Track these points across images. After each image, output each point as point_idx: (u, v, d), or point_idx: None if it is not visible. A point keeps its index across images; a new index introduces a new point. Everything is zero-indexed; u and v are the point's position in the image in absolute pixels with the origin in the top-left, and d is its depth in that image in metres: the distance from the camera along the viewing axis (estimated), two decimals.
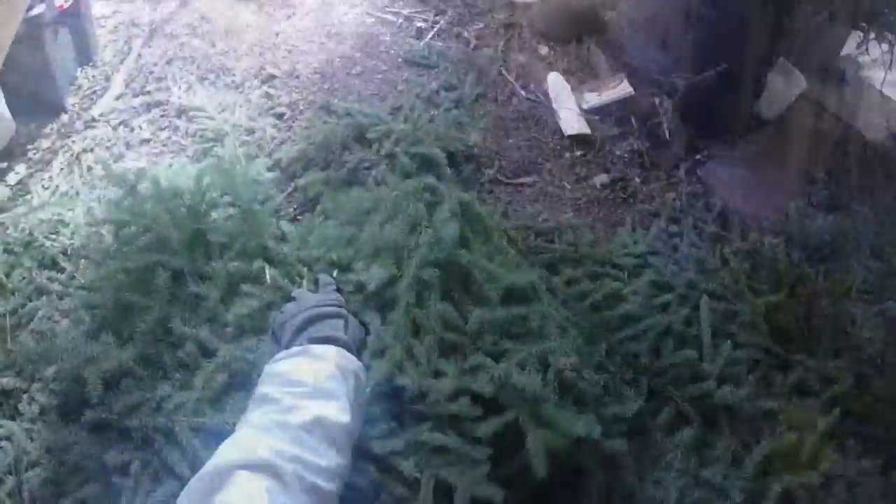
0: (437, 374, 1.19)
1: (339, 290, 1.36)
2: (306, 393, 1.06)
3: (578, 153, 2.20)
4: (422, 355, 1.20)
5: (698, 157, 2.30)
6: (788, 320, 1.81)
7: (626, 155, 2.22)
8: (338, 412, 1.05)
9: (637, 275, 1.77)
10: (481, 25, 2.67)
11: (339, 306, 1.29)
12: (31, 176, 2.01)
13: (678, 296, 1.76)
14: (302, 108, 2.20)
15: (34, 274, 1.69)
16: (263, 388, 1.09)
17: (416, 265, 1.26)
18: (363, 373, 1.18)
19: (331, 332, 1.22)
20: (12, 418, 1.41)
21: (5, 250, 1.74)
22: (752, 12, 2.17)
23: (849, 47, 2.76)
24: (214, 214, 1.60)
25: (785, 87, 2.52)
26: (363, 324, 1.32)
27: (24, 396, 1.45)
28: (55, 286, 1.66)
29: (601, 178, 2.13)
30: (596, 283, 1.63)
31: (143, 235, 1.51)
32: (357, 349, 1.24)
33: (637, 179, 2.15)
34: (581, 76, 2.48)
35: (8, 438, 1.38)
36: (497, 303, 1.29)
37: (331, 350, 1.15)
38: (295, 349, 1.16)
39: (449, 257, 1.29)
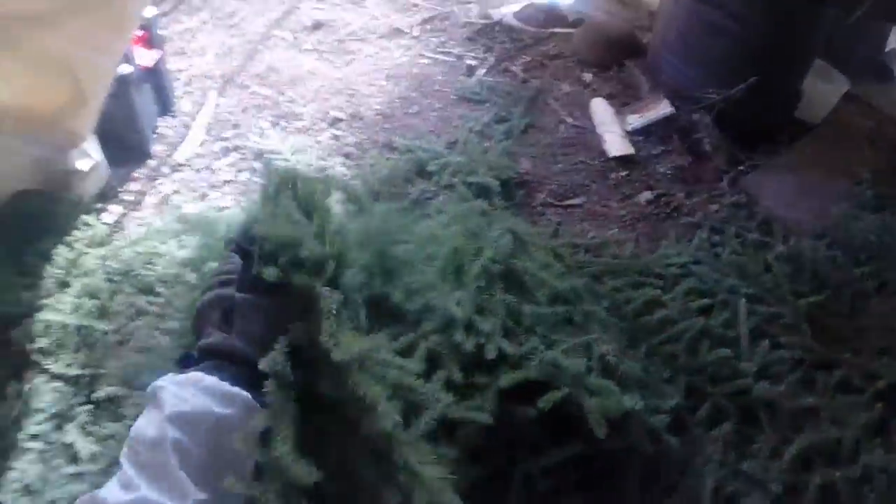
0: (500, 352, 1.37)
1: (244, 251, 1.11)
2: (138, 463, 0.91)
3: (623, 173, 2.41)
4: (486, 330, 1.37)
5: (741, 168, 2.45)
6: (832, 320, 1.92)
7: (669, 171, 2.41)
8: (160, 493, 0.87)
9: (678, 283, 1.93)
10: (527, 59, 2.91)
11: (228, 283, 1.11)
12: (125, 215, 2.28)
13: (720, 301, 1.90)
14: (367, 146, 2.46)
15: (134, 299, 1.92)
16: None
17: (486, 258, 1.47)
18: (239, 404, 0.96)
19: (212, 339, 1.05)
20: (116, 420, 1.64)
21: (107, 279, 1.97)
22: (774, 22, 2.35)
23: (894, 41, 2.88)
24: None
25: (826, 89, 2.66)
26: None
27: (128, 402, 1.67)
28: (154, 308, 1.87)
29: (646, 196, 2.32)
30: (637, 291, 1.81)
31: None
32: (256, 338, 1.04)
33: (681, 194, 2.33)
34: (623, 99, 2.69)
35: (112, 437, 1.61)
36: (545, 304, 1.50)
37: (183, 392, 0.95)
38: (152, 389, 0.99)
39: (506, 265, 1.50)
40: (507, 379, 1.32)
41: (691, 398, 1.68)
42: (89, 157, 2.25)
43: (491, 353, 1.34)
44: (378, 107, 2.65)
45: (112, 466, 1.57)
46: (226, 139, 2.55)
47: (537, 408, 1.34)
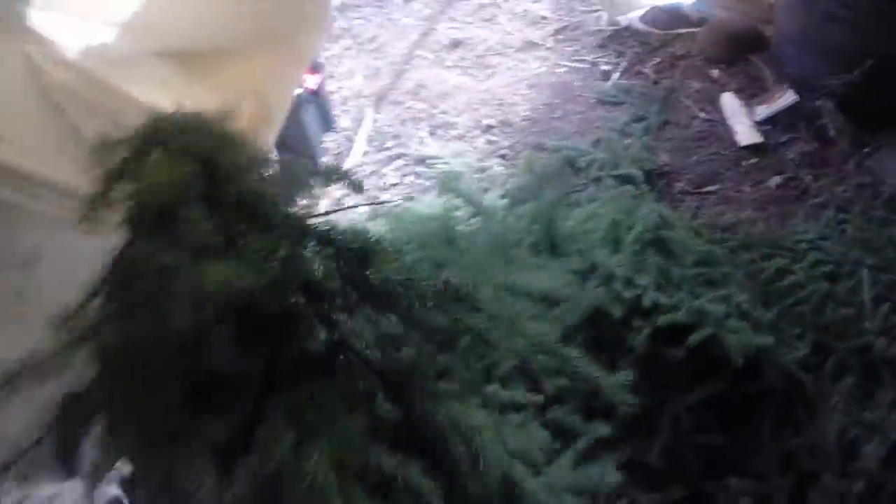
0: (654, 303, 1.78)
1: None
2: None
3: (754, 161, 2.76)
4: (642, 284, 1.79)
5: (866, 150, 2.70)
6: None
7: (797, 157, 2.73)
8: None
9: (806, 255, 2.23)
10: (658, 60, 3.30)
11: None
12: None
13: (845, 272, 2.18)
14: (519, 149, 2.91)
15: None
16: None
17: (638, 229, 1.89)
18: None
19: None
20: None
21: None
22: (885, 6, 2.63)
23: None
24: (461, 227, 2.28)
25: None
26: None
27: None
28: None
29: (775, 180, 2.67)
30: (769, 262, 2.16)
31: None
32: None
33: (808, 177, 2.65)
34: (750, 91, 3.02)
35: None
36: (690, 266, 1.90)
37: None
38: None
39: (655, 235, 1.92)
40: (662, 320, 1.73)
41: (818, 353, 1.98)
42: None
43: (647, 302, 1.76)
44: (525, 113, 3.09)
45: None
46: (388, 148, 3.05)
47: (686, 347, 1.75)
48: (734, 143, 2.83)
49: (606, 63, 3.34)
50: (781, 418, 1.92)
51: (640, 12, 3.56)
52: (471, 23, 3.80)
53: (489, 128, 3.05)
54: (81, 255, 2.28)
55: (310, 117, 3.01)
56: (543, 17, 3.77)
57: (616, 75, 3.25)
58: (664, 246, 1.95)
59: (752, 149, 2.80)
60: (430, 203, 2.50)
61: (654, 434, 1.85)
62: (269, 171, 1.01)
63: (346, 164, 3.01)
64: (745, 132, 2.82)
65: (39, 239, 2.01)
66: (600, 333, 1.81)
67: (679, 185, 2.68)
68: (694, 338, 1.73)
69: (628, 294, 1.78)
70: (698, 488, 1.87)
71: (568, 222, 2.05)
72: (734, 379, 1.81)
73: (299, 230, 0.97)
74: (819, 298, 2.08)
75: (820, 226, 2.42)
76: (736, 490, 1.85)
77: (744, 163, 2.77)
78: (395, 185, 2.89)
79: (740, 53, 3.20)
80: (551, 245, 2.00)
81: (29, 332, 2.03)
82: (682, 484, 1.86)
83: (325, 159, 3.06)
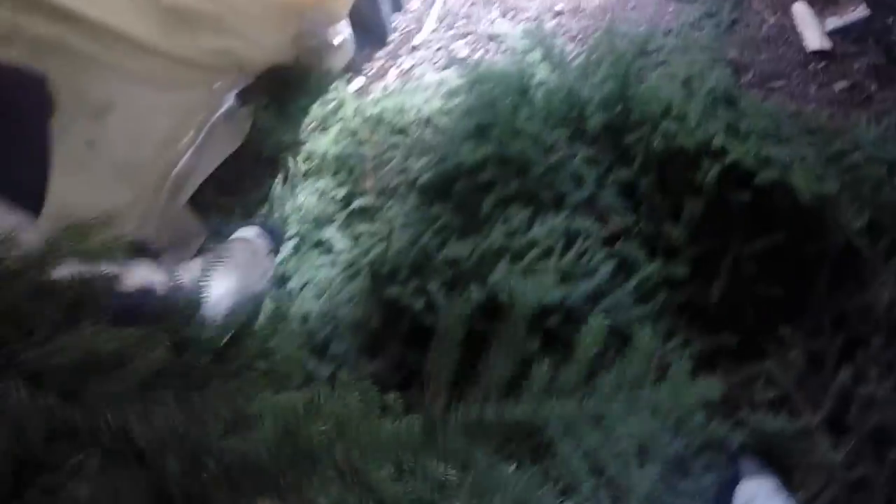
0: (723, 147, 1.90)
1: None
2: None
3: (821, 65, 2.85)
4: (711, 131, 1.92)
5: None
6: None
7: (863, 68, 2.81)
8: None
9: (862, 147, 2.31)
10: None
11: None
12: (370, 84, 2.95)
13: None
14: (590, 33, 3.01)
15: (388, 136, 2.51)
16: None
17: (712, 83, 2.01)
18: None
19: None
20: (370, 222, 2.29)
21: (363, 122, 2.57)
22: None
23: None
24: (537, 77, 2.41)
25: None
26: None
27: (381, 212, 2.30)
28: (407, 141, 2.47)
29: (841, 84, 2.76)
30: (829, 145, 2.26)
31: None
32: None
33: (873, 87, 2.75)
34: (823, 4, 3.06)
35: (362, 234, 2.25)
36: (757, 122, 2.02)
37: None
38: None
39: (726, 91, 2.03)
40: (730, 158, 1.85)
41: (873, 230, 2.08)
42: (340, 34, 2.85)
43: (717, 143, 1.87)
44: (598, 3, 3.17)
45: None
46: (458, 27, 3.15)
47: (752, 188, 1.86)
48: (802, 49, 2.91)
49: None
50: (836, 280, 2.02)
51: None
52: None
53: (560, 13, 3.14)
54: (152, 110, 2.44)
55: None
56: None
57: None
58: (734, 104, 2.06)
59: (821, 55, 2.87)
60: (504, 63, 2.61)
61: (712, 279, 1.96)
62: None
63: (416, 41, 3.12)
64: (814, 38, 2.89)
65: (112, 91, 2.17)
66: (668, 174, 1.92)
67: (746, 77, 2.78)
68: (761, 177, 1.84)
69: (700, 135, 1.89)
70: (751, 337, 1.99)
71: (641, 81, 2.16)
72: (796, 231, 1.92)
73: None
74: (877, 181, 2.18)
75: (881, 129, 2.49)
76: (788, 342, 1.97)
77: (811, 66, 2.86)
78: (464, 59, 2.99)
79: None
80: (625, 98, 2.11)
81: (99, 181, 2.21)
82: (735, 331, 1.99)
83: (394, 36, 3.17)
